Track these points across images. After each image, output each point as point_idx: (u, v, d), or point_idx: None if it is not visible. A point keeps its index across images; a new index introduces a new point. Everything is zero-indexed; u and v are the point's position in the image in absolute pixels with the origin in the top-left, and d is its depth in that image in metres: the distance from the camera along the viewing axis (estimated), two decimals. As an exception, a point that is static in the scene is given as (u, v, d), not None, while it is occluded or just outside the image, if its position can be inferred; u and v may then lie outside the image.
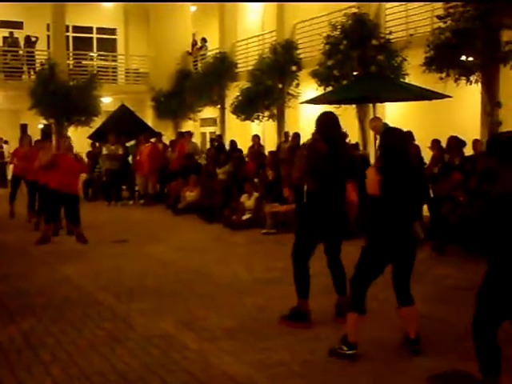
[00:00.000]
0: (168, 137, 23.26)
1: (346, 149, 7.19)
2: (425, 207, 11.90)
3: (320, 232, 6.61)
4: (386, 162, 5.56)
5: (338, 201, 6.65)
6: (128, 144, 20.34)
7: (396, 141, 5.67)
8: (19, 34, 27.83)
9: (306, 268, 6.63)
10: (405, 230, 5.64)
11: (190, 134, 20.50)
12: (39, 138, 26.82)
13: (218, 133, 23.87)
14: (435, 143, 13.47)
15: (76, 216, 12.29)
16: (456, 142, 13.05)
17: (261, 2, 25.06)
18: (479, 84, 13.23)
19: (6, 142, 28.15)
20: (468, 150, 12.58)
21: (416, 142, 14.01)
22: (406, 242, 5.64)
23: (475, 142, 12.53)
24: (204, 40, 27.80)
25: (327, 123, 6.66)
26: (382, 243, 5.56)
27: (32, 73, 26.67)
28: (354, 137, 16.32)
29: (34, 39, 27.34)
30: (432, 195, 12.04)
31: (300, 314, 6.58)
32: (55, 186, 11.94)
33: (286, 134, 18.57)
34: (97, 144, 22.06)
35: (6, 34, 27.74)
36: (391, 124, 14.68)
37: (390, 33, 16.26)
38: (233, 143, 18.99)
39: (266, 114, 20.07)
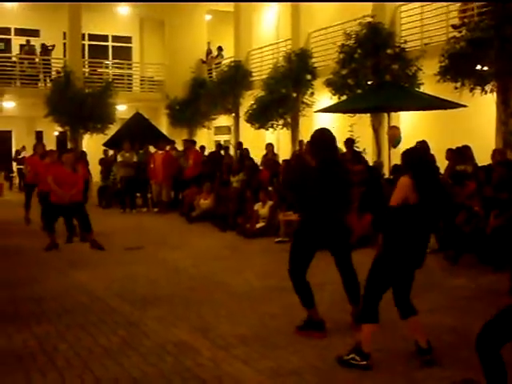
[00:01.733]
0: (182, 144, 23.33)
1: (342, 167, 6.97)
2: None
3: (313, 246, 6.56)
4: (417, 178, 5.51)
5: (331, 215, 6.53)
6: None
7: (422, 157, 5.72)
8: (36, 42, 28.08)
9: (304, 279, 6.57)
10: (427, 242, 5.73)
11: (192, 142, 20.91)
12: (55, 144, 27.19)
13: (232, 141, 23.95)
14: (450, 153, 13.46)
15: (86, 223, 12.36)
16: (468, 152, 13.07)
17: (277, 1, 25.08)
18: (494, 93, 13.21)
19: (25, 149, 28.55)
20: (483, 160, 12.55)
21: (431, 152, 14.04)
22: (424, 253, 5.70)
23: (494, 151, 12.50)
24: (220, 48, 27.90)
25: (321, 141, 6.56)
26: (406, 254, 5.56)
27: (48, 80, 26.93)
28: (368, 145, 16.34)
29: (50, 47, 27.56)
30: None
31: (314, 323, 6.57)
32: (55, 199, 12.19)
33: (301, 142, 18.57)
34: (109, 152, 22.17)
35: (23, 42, 28.01)
36: (404, 133, 14.74)
37: (405, 42, 16.28)
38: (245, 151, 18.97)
39: (281, 122, 20.10)
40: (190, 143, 20.89)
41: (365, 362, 5.54)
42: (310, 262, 6.57)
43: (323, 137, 6.60)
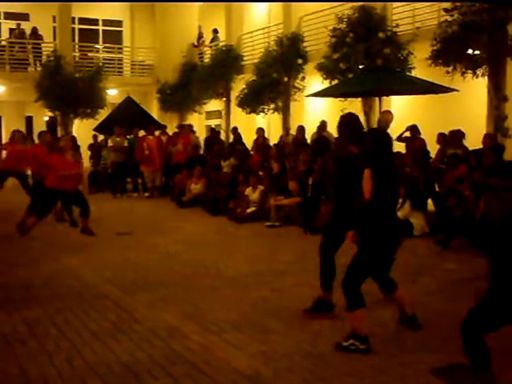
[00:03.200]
0: (173, 129, 23.22)
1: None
2: (429, 201, 11.91)
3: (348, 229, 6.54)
4: (375, 161, 5.61)
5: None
6: (127, 137, 20.25)
7: (384, 139, 5.81)
8: (25, 26, 27.82)
9: (333, 261, 6.63)
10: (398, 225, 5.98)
11: (190, 126, 20.66)
12: (45, 129, 26.99)
13: (223, 126, 23.84)
14: (441, 137, 13.45)
15: (85, 208, 12.14)
16: (457, 136, 13.06)
17: (266, 1, 24.97)
18: (486, 78, 13.19)
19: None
20: (474, 144, 12.54)
21: (421, 136, 14.05)
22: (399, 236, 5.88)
23: (485, 136, 12.49)
24: (215, 31, 27.61)
25: (358, 127, 6.56)
26: (388, 240, 5.68)
27: (38, 65, 26.68)
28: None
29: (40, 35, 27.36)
30: (437, 189, 12.03)
31: (324, 304, 6.62)
32: (51, 185, 11.76)
33: (287, 128, 18.63)
34: (99, 137, 22.05)
35: (13, 26, 27.76)
36: (396, 117, 14.72)
37: (397, 26, 16.20)
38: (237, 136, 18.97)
39: (272, 106, 20.02)
40: (183, 127, 20.76)
41: (364, 346, 5.59)
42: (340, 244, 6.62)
43: (357, 122, 6.62)
